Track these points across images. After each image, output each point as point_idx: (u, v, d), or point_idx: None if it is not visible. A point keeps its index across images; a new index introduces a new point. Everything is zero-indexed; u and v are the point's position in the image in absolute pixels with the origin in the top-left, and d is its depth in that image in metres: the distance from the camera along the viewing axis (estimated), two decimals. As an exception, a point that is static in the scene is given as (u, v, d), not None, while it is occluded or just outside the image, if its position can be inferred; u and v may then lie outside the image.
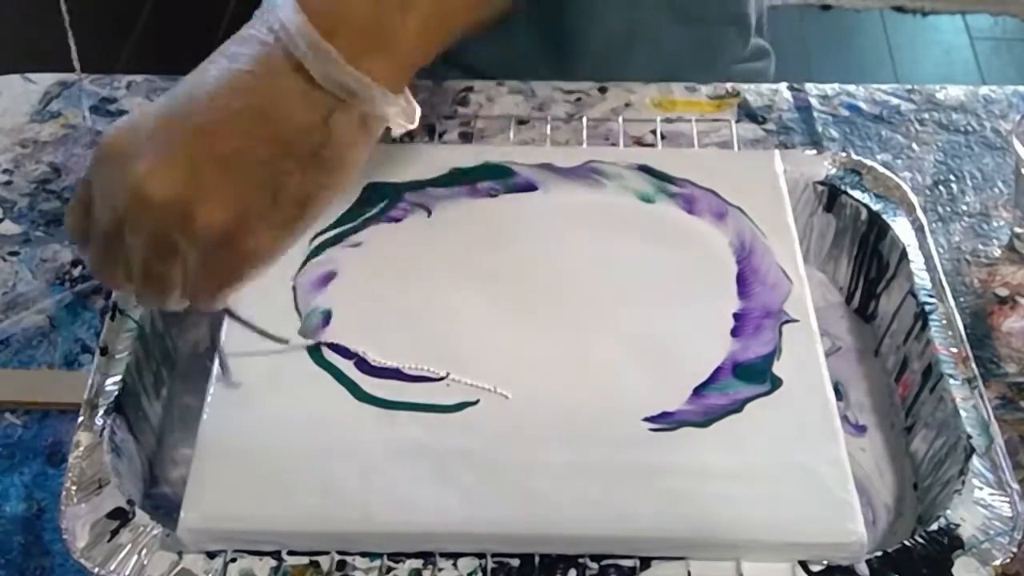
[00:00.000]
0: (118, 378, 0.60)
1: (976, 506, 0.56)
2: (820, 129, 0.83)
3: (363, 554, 0.55)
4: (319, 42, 0.51)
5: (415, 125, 0.56)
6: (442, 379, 0.60)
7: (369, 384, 0.60)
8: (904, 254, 0.67)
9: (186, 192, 0.50)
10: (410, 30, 0.54)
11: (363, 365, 0.60)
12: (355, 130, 0.53)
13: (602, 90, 0.85)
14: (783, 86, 0.86)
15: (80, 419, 0.59)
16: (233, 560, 0.54)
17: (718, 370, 0.61)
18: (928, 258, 0.67)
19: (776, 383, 0.60)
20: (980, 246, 0.76)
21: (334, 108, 0.52)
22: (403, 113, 0.55)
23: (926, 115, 0.85)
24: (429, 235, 0.68)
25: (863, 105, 0.85)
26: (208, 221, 0.50)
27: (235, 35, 0.54)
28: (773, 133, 0.82)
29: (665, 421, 0.58)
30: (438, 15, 0.55)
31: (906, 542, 0.55)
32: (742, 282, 0.65)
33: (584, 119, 0.80)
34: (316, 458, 0.57)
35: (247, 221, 0.52)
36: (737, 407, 0.59)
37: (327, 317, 0.63)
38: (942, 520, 0.55)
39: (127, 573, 0.53)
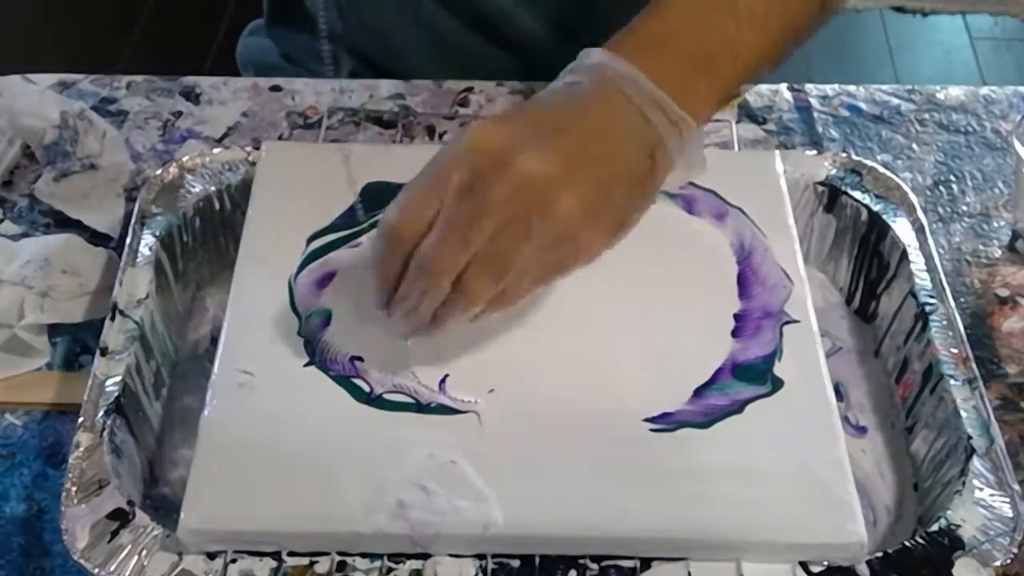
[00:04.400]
0: (118, 379, 0.60)
1: (976, 507, 0.56)
2: (820, 129, 0.83)
3: (363, 555, 0.55)
4: (655, 91, 0.56)
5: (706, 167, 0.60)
6: (427, 405, 0.59)
7: (368, 385, 0.60)
8: (904, 255, 0.67)
9: (557, 178, 0.53)
10: (745, 42, 0.59)
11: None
12: (669, 162, 0.58)
13: (602, 90, 0.84)
14: (783, 86, 0.86)
15: (80, 420, 0.59)
16: (233, 561, 0.54)
17: (719, 371, 0.61)
18: (928, 259, 0.67)
19: (777, 384, 0.60)
20: (980, 246, 0.76)
21: (659, 143, 0.56)
22: (700, 157, 0.59)
23: (926, 115, 0.85)
24: (429, 235, 0.67)
25: (863, 105, 0.85)
26: (568, 207, 0.54)
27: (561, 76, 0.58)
28: (773, 133, 0.82)
29: (665, 422, 0.58)
30: (718, 82, 0.59)
31: (906, 543, 0.55)
32: (742, 283, 0.65)
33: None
34: (316, 459, 0.57)
35: (591, 221, 0.55)
36: (737, 408, 0.59)
37: (327, 318, 0.63)
38: (942, 521, 0.55)
39: (127, 574, 0.53)
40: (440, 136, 0.79)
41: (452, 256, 0.53)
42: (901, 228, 0.69)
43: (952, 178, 0.80)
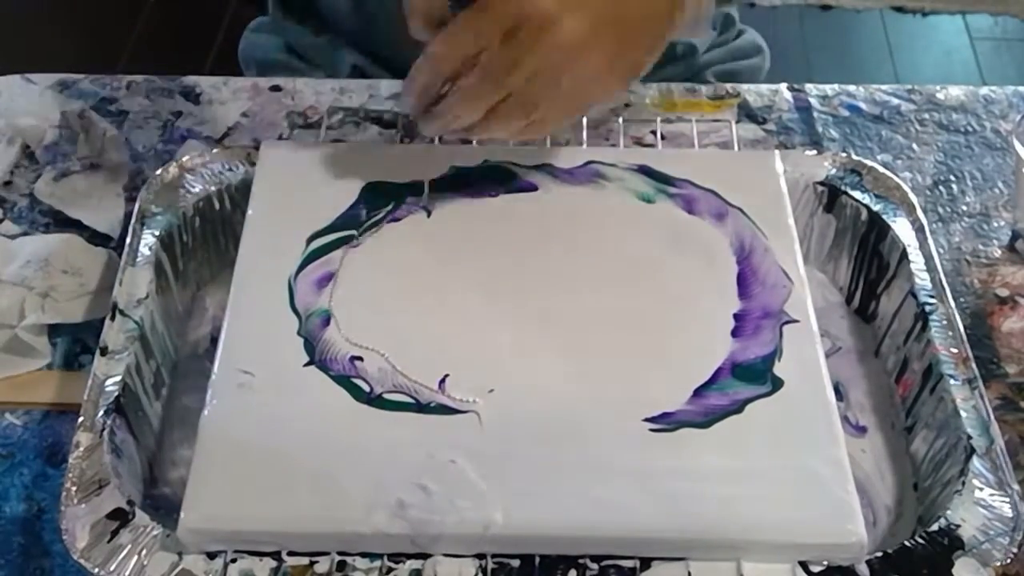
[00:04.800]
0: (118, 378, 0.60)
1: (976, 507, 0.56)
2: (820, 129, 0.83)
3: (363, 554, 0.55)
4: None
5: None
6: (427, 404, 0.59)
7: (368, 385, 0.60)
8: (904, 254, 0.67)
9: (588, 39, 0.61)
10: None
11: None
12: (678, 28, 0.67)
13: (602, 90, 0.85)
14: (783, 86, 0.86)
15: (80, 419, 0.59)
16: (233, 560, 0.54)
17: (718, 371, 0.61)
18: (928, 258, 0.67)
19: (777, 384, 0.60)
20: (980, 246, 0.76)
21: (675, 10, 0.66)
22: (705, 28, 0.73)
23: (926, 115, 0.85)
24: (429, 235, 0.67)
25: (863, 105, 0.85)
26: (596, 65, 0.62)
27: None
28: (773, 133, 0.82)
29: (665, 422, 0.58)
30: None
31: (906, 543, 0.55)
32: (742, 282, 0.65)
33: (584, 119, 0.80)
34: (316, 458, 0.57)
35: (611, 72, 0.64)
36: (737, 408, 0.59)
37: (327, 318, 0.63)
38: (942, 521, 0.55)
39: (127, 574, 0.53)
40: (440, 136, 0.79)
41: (490, 91, 0.61)
42: (901, 228, 0.69)
43: (952, 178, 0.80)
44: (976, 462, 0.58)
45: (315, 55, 0.96)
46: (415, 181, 0.70)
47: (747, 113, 0.84)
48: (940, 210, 0.78)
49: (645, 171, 0.71)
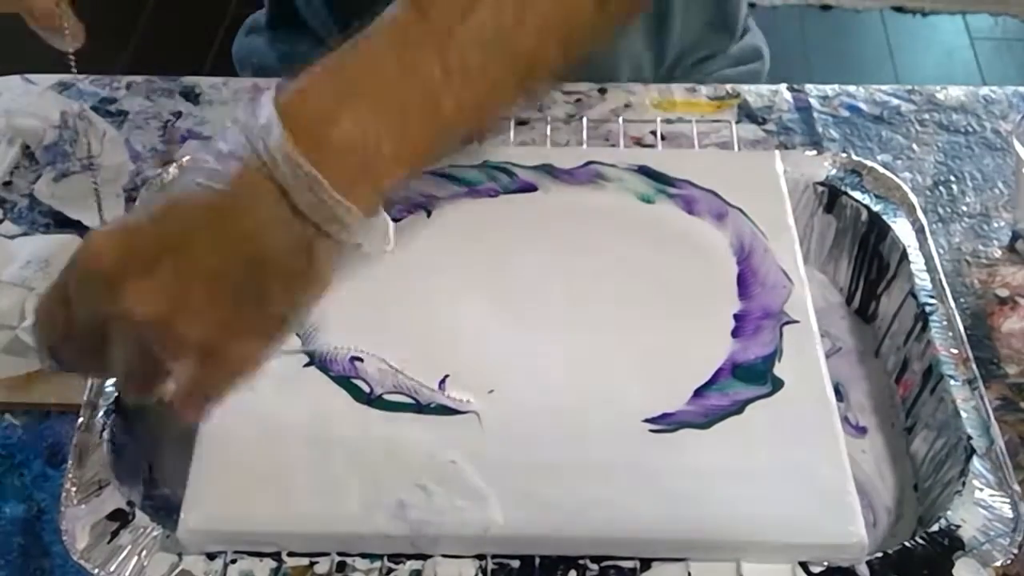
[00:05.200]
0: (118, 379, 0.60)
1: (977, 507, 0.56)
2: (820, 130, 0.83)
3: (363, 555, 0.55)
4: (310, 172, 0.47)
5: (391, 247, 0.53)
6: (426, 405, 0.59)
7: (368, 385, 0.60)
8: (904, 255, 0.67)
9: (169, 311, 0.47)
10: (387, 156, 0.50)
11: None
12: (334, 253, 0.50)
13: (602, 91, 0.85)
14: (783, 87, 0.86)
15: (80, 420, 0.59)
16: (233, 561, 0.54)
17: (718, 371, 0.61)
18: (928, 259, 0.67)
19: (777, 384, 0.60)
20: (980, 247, 0.76)
21: (316, 236, 0.49)
22: (381, 237, 0.52)
23: (926, 116, 0.85)
24: (429, 235, 0.67)
25: (863, 106, 0.85)
26: (190, 338, 0.48)
27: (212, 146, 0.50)
28: (773, 134, 0.82)
29: (665, 422, 0.58)
30: (411, 142, 0.51)
31: (907, 543, 0.55)
32: (742, 283, 0.65)
33: (584, 120, 0.80)
34: (316, 459, 0.57)
35: (231, 334, 0.49)
36: (738, 408, 0.59)
37: (327, 318, 0.63)
38: (943, 521, 0.55)
39: (127, 574, 0.53)
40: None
41: (94, 371, 0.56)
42: (901, 228, 0.69)
43: (952, 178, 0.80)
44: (976, 462, 0.57)
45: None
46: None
47: (747, 113, 0.84)
48: (940, 210, 0.78)
49: (645, 171, 0.70)
